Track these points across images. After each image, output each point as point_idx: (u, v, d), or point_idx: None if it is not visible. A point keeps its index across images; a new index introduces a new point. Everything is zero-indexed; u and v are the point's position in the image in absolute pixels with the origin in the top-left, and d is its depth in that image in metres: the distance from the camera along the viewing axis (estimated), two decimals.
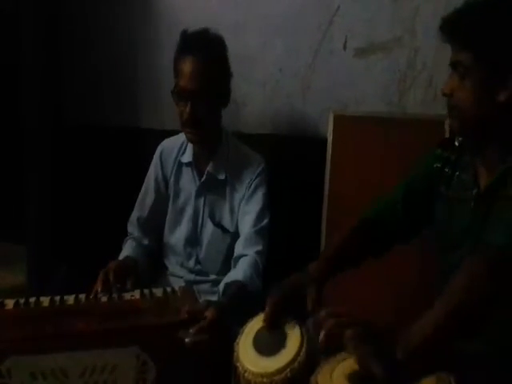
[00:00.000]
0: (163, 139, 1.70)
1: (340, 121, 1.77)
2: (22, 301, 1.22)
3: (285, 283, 1.14)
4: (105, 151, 2.04)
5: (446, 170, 1.17)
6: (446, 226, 1.17)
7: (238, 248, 1.52)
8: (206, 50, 1.46)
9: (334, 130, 1.76)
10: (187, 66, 1.45)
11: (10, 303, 1.21)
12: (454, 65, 1.04)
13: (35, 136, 2.05)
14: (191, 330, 1.13)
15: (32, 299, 1.23)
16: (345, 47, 1.79)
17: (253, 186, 1.56)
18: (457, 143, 1.15)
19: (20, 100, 2.03)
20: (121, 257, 1.56)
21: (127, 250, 1.60)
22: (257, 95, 1.91)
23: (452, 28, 1.03)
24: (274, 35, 1.85)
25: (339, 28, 1.78)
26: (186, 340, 1.13)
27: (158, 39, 1.99)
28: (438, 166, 1.18)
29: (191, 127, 1.48)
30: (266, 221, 1.55)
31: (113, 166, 2.01)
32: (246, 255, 1.49)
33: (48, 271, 1.98)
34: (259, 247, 1.50)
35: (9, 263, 2.18)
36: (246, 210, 1.56)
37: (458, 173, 1.15)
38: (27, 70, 2.02)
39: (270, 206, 1.57)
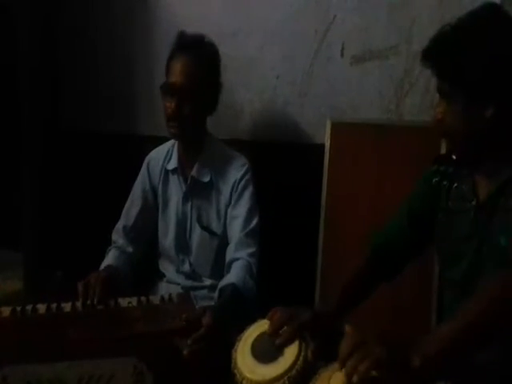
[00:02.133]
0: (159, 145, 1.70)
1: (337, 128, 1.77)
2: (18, 308, 1.21)
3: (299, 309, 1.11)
4: (101, 158, 2.04)
5: (445, 182, 1.17)
6: (447, 238, 1.17)
7: (230, 253, 1.51)
8: (199, 51, 1.51)
9: (331, 137, 1.77)
10: (178, 64, 1.49)
11: (6, 311, 1.20)
12: (439, 92, 1.06)
13: (32, 143, 2.05)
14: (189, 341, 1.12)
15: (29, 307, 1.22)
16: (342, 55, 1.80)
17: (239, 189, 1.55)
18: (454, 156, 1.15)
19: (17, 106, 2.03)
20: (102, 266, 1.54)
21: (109, 259, 1.58)
22: (254, 102, 1.91)
23: (428, 58, 1.05)
24: (271, 42, 1.86)
25: (336, 35, 1.79)
26: (184, 351, 1.12)
27: (155, 47, 1.99)
28: (437, 180, 1.19)
29: (174, 121, 1.49)
30: (255, 221, 1.54)
31: (109, 172, 2.00)
32: (238, 259, 1.49)
33: (44, 278, 1.97)
34: (251, 249, 1.50)
35: (5, 270, 2.17)
36: (234, 215, 1.55)
37: (456, 184, 1.16)
38: (24, 75, 2.02)
39: (257, 206, 1.56)
